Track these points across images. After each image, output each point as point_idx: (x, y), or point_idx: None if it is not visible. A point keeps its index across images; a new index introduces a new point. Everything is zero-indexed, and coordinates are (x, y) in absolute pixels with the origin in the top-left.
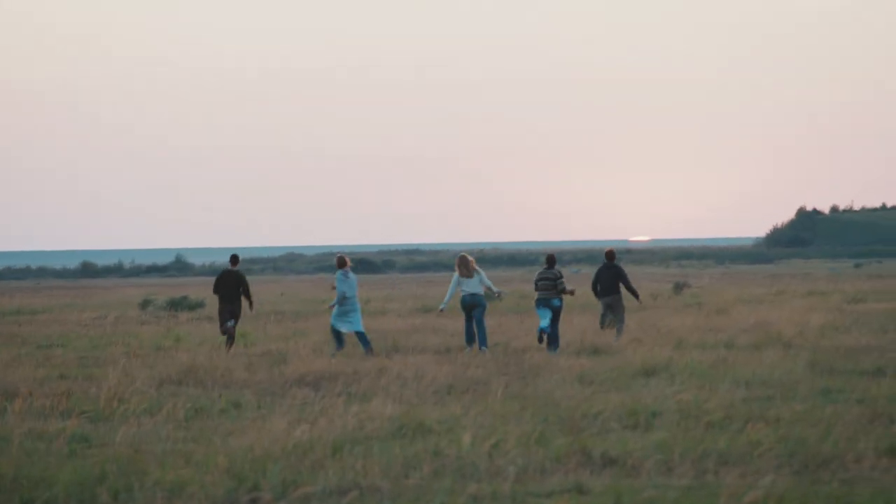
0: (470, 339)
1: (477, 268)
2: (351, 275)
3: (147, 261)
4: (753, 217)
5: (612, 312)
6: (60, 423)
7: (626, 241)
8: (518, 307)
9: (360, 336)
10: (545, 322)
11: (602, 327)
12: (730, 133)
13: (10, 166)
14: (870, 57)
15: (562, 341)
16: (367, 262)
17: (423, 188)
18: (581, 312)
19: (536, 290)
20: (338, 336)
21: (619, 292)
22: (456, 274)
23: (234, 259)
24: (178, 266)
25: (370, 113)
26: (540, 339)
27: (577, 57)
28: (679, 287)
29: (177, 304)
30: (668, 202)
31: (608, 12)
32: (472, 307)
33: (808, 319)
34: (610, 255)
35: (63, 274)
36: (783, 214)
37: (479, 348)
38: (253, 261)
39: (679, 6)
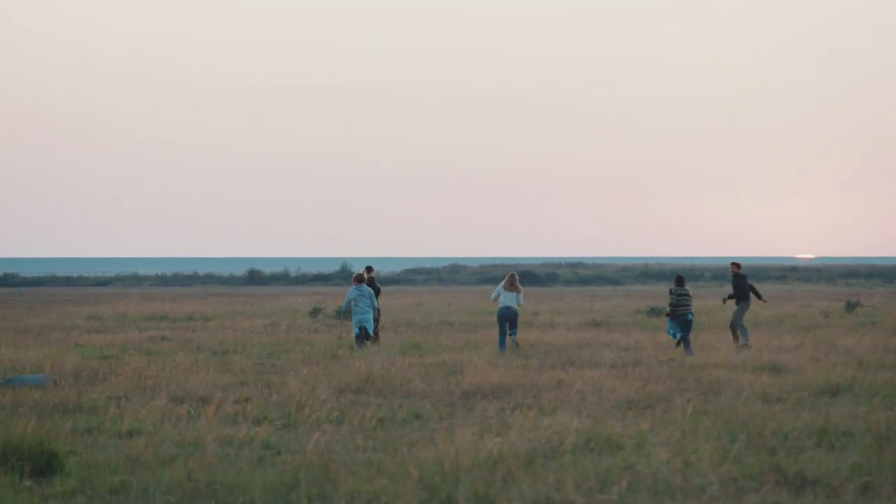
0: (503, 346)
1: (520, 286)
2: (365, 288)
3: (312, 269)
4: None
5: (740, 317)
6: (250, 429)
7: (791, 259)
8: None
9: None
10: (684, 331)
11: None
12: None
13: (183, 175)
14: None
15: (741, 357)
16: (532, 275)
17: (588, 203)
18: (752, 329)
19: (677, 306)
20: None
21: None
22: (501, 286)
23: (368, 270)
24: (344, 275)
25: (537, 130)
26: (678, 343)
27: (748, 75)
28: (851, 305)
29: (346, 313)
30: (834, 219)
31: (773, 32)
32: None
33: None
34: (737, 266)
35: (230, 281)
36: None
37: (511, 337)
38: (417, 271)
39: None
